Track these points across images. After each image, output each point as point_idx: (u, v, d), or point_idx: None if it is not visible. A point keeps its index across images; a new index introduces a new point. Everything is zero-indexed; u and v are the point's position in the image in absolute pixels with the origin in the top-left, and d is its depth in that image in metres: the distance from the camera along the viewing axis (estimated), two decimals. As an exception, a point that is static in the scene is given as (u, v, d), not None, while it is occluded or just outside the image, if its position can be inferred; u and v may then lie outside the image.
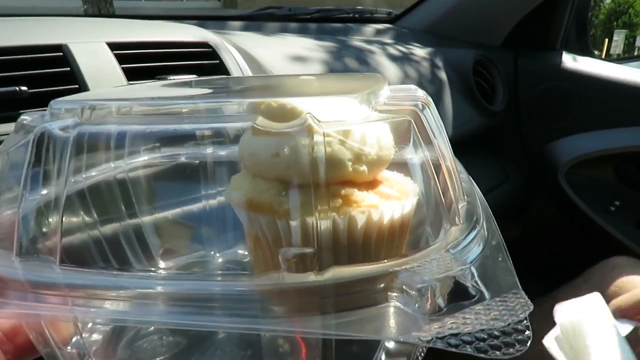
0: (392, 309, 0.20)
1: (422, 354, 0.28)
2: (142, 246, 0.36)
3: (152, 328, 0.33)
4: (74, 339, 0.27)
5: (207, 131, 0.34)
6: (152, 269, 0.36)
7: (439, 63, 1.12)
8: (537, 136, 1.31)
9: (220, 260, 0.38)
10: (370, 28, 1.27)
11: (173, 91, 0.34)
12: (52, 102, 0.26)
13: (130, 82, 0.59)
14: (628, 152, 1.20)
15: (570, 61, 1.28)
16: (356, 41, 1.09)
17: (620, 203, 1.24)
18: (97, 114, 0.25)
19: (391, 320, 0.20)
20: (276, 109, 0.27)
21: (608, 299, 0.76)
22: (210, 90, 0.33)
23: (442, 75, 1.10)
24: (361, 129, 0.26)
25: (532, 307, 0.19)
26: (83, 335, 0.28)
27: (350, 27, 1.25)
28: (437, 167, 0.26)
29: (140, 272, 0.27)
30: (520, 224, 1.37)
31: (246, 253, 0.38)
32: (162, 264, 0.37)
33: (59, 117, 0.25)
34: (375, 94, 0.27)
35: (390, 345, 0.28)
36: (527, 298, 0.19)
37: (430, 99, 0.28)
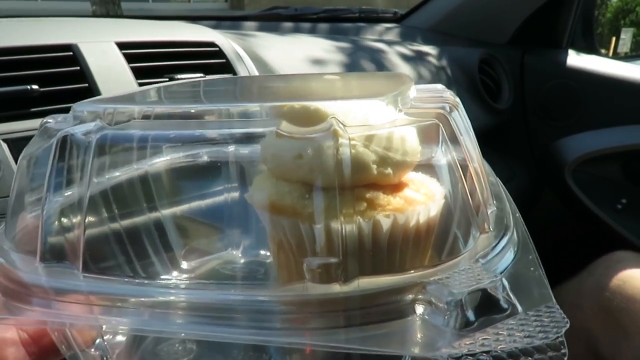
0: (419, 323, 0.20)
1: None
2: (165, 247, 0.35)
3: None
4: (97, 341, 0.27)
5: (231, 137, 0.33)
6: (175, 272, 0.36)
7: (445, 61, 1.12)
8: (543, 134, 1.31)
9: (242, 261, 0.38)
10: (377, 27, 1.27)
11: (193, 93, 0.34)
12: (74, 105, 0.26)
13: (139, 81, 0.59)
14: (635, 150, 1.19)
15: (577, 59, 1.28)
16: (363, 41, 1.09)
17: (627, 201, 1.22)
18: (119, 118, 0.25)
19: (419, 335, 0.19)
20: (299, 111, 0.26)
21: (612, 293, 0.75)
22: (232, 92, 0.33)
23: (448, 73, 1.10)
24: (387, 131, 0.25)
25: (567, 324, 0.18)
26: (106, 337, 0.28)
27: (357, 27, 1.25)
28: (465, 170, 0.26)
29: (162, 280, 0.27)
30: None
31: (269, 254, 0.37)
32: (184, 265, 0.36)
33: (82, 121, 0.25)
34: (403, 96, 0.26)
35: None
36: (561, 313, 0.19)
37: (458, 99, 0.27)
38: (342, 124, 0.23)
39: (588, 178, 1.23)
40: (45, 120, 0.27)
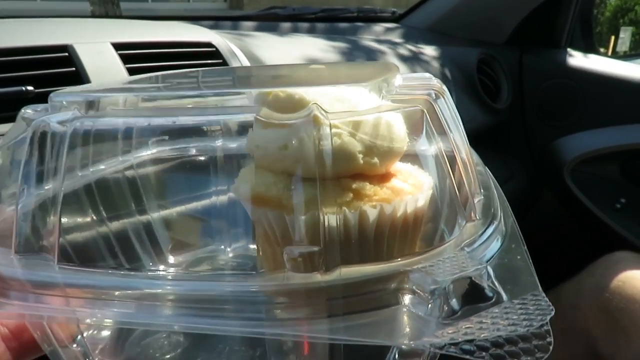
0: (403, 312, 0.19)
1: (438, 354, 0.27)
2: (152, 241, 0.35)
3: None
4: (78, 337, 0.26)
5: (215, 124, 0.33)
6: (161, 265, 0.35)
7: (443, 61, 1.12)
8: (542, 134, 1.30)
9: (230, 255, 0.37)
10: (375, 27, 1.27)
11: (178, 83, 0.34)
12: (52, 95, 0.26)
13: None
14: (634, 149, 1.19)
15: (576, 58, 1.28)
16: (361, 40, 1.09)
17: (626, 200, 1.22)
18: (99, 107, 0.24)
19: (402, 324, 0.19)
20: (284, 99, 0.26)
21: (611, 293, 0.75)
22: (216, 81, 0.32)
23: (446, 73, 1.10)
24: (372, 119, 0.25)
25: (553, 311, 0.17)
26: (90, 332, 0.28)
27: (355, 27, 1.25)
28: (452, 159, 0.25)
29: (144, 271, 0.26)
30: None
31: (256, 247, 0.37)
32: (171, 259, 0.36)
33: (60, 110, 0.25)
34: (387, 83, 0.26)
35: (403, 346, 0.27)
36: (547, 300, 0.18)
37: (445, 87, 0.27)
38: (323, 110, 0.22)
39: (587, 178, 1.23)
40: (23, 109, 0.26)
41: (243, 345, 0.30)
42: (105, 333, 0.30)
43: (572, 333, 0.78)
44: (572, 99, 1.26)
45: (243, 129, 0.31)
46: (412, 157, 0.27)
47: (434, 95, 0.25)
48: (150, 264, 0.34)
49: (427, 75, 0.29)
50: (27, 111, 0.26)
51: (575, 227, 1.32)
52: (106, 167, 0.32)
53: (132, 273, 0.22)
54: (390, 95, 0.25)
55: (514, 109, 1.27)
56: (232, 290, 0.21)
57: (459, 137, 0.25)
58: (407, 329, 0.19)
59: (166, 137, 0.34)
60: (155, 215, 0.35)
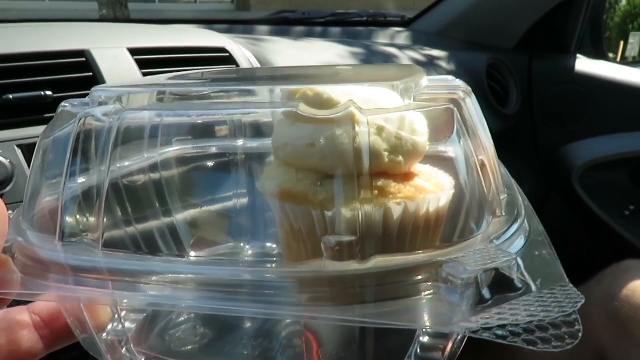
0: (435, 299, 0.20)
1: (459, 350, 0.27)
2: (174, 237, 0.36)
3: (184, 317, 0.34)
4: (110, 326, 0.27)
5: (245, 118, 0.34)
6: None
7: (453, 66, 1.12)
8: (551, 139, 1.30)
9: (250, 252, 0.38)
10: (385, 32, 1.27)
11: (205, 80, 0.34)
12: (93, 89, 0.26)
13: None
14: None
15: (585, 64, 1.27)
16: (372, 45, 1.10)
17: (635, 207, 1.22)
18: (135, 101, 0.25)
19: (435, 310, 0.20)
20: (312, 97, 0.27)
21: (620, 302, 0.75)
22: (246, 78, 0.33)
23: (455, 78, 1.09)
24: (398, 118, 0.26)
25: (583, 300, 0.18)
26: (116, 324, 0.28)
27: (365, 31, 1.26)
28: (480, 157, 0.26)
29: (183, 258, 0.27)
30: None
31: (274, 246, 0.37)
32: (192, 255, 0.37)
33: (99, 104, 0.25)
34: (416, 83, 0.26)
35: (426, 339, 0.28)
36: (576, 290, 0.19)
37: (470, 88, 0.28)
38: (360, 108, 0.23)
39: (596, 184, 1.22)
40: (62, 104, 0.27)
41: (266, 339, 0.31)
42: (130, 325, 0.31)
43: (581, 341, 0.77)
44: (581, 104, 1.25)
45: (266, 127, 0.32)
46: (439, 156, 0.27)
47: (462, 95, 0.26)
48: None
49: (451, 77, 0.29)
50: (66, 105, 0.27)
51: (584, 233, 1.32)
52: (132, 163, 0.33)
53: (173, 259, 0.23)
54: (419, 95, 0.26)
55: (523, 114, 1.27)
56: (266, 277, 0.21)
57: (485, 136, 0.26)
58: (440, 315, 0.19)
59: (190, 137, 0.35)
60: (177, 211, 0.36)
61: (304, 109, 0.24)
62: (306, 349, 0.30)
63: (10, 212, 0.25)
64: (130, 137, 0.30)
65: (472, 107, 0.26)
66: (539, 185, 1.31)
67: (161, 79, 0.33)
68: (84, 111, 0.24)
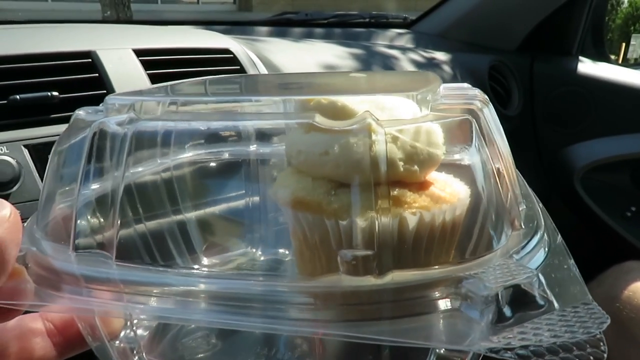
0: (455, 316, 0.20)
1: (477, 361, 0.27)
2: (186, 242, 0.36)
3: (195, 326, 0.33)
4: (122, 334, 0.27)
5: (260, 127, 0.33)
6: (197, 266, 0.36)
7: (454, 68, 1.12)
8: (552, 141, 1.30)
9: (262, 258, 0.38)
10: (387, 33, 1.28)
11: (219, 88, 0.34)
12: (107, 98, 0.26)
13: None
14: None
15: (587, 66, 1.27)
16: (374, 46, 1.10)
17: (637, 208, 1.22)
18: (148, 110, 0.25)
19: (452, 328, 0.19)
20: (326, 106, 0.26)
21: (622, 304, 0.75)
22: (257, 87, 0.33)
23: (458, 79, 1.10)
24: (413, 128, 0.25)
25: (608, 320, 0.18)
26: (128, 331, 0.28)
27: (367, 32, 1.26)
28: (498, 167, 0.25)
29: (195, 269, 0.27)
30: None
31: (287, 252, 0.37)
32: (205, 260, 0.37)
33: (114, 113, 0.25)
34: (432, 93, 0.26)
35: (442, 351, 0.27)
36: (601, 309, 0.18)
37: (487, 97, 0.27)
38: (376, 118, 0.23)
39: (597, 185, 1.22)
40: (76, 112, 0.27)
41: (281, 348, 0.31)
42: (142, 332, 0.30)
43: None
44: (582, 106, 1.26)
45: (280, 134, 0.32)
46: (456, 164, 0.27)
47: (479, 104, 0.26)
48: (184, 264, 0.35)
49: (467, 85, 0.29)
50: (80, 113, 0.27)
51: (585, 235, 1.32)
52: (145, 170, 0.33)
53: (185, 271, 0.22)
54: (436, 105, 0.26)
55: (525, 116, 1.27)
56: (279, 291, 0.21)
57: (503, 144, 0.26)
58: (459, 333, 0.19)
59: (202, 142, 0.35)
60: (190, 217, 0.36)
61: (320, 120, 0.24)
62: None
63: (24, 222, 0.25)
64: (143, 143, 0.30)
65: (490, 117, 0.26)
66: (540, 186, 1.31)
67: (174, 86, 0.33)
68: (99, 120, 0.24)
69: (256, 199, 0.38)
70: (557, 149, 1.28)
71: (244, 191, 0.38)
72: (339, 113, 0.26)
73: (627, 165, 1.22)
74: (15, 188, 0.50)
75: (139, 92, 0.29)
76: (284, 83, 0.38)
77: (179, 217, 0.36)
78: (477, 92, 0.28)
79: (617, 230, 1.20)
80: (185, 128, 0.30)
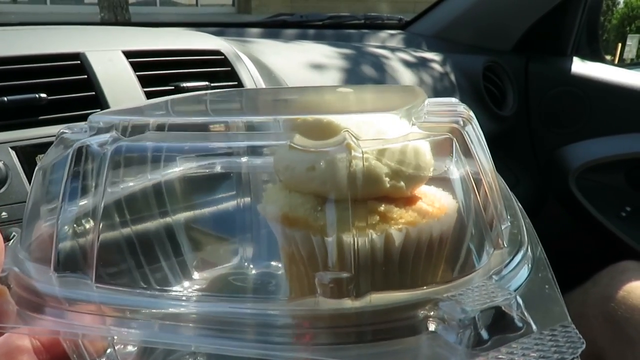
0: (431, 340, 0.20)
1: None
2: (177, 257, 0.35)
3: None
4: (107, 351, 0.27)
5: (243, 148, 0.33)
6: (186, 282, 0.36)
7: (449, 68, 1.12)
8: (547, 141, 1.30)
9: (253, 272, 0.38)
10: (382, 34, 1.28)
11: (206, 105, 0.34)
12: (90, 117, 0.26)
13: (146, 89, 0.60)
14: (639, 158, 1.19)
15: (581, 66, 1.28)
16: (368, 47, 1.10)
17: (632, 208, 1.22)
18: (135, 130, 0.25)
19: (431, 352, 0.19)
20: (313, 124, 0.27)
21: (617, 303, 0.75)
22: (244, 105, 0.33)
23: (452, 80, 1.10)
24: (400, 145, 0.25)
25: (584, 345, 0.18)
26: (117, 347, 0.28)
27: (362, 34, 1.26)
28: (479, 184, 0.25)
29: (174, 292, 0.27)
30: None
31: (280, 265, 0.37)
32: (196, 275, 0.36)
33: (98, 131, 0.25)
34: (416, 110, 0.26)
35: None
36: (577, 332, 0.18)
37: (472, 113, 0.27)
38: (355, 137, 0.23)
39: (592, 185, 1.23)
40: (61, 130, 0.27)
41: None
42: (131, 348, 0.30)
43: (578, 343, 0.78)
44: (577, 106, 1.26)
45: (271, 150, 0.32)
46: (439, 181, 0.27)
47: (462, 123, 0.26)
48: (175, 279, 0.35)
49: (454, 100, 0.29)
50: (65, 131, 0.27)
51: (580, 235, 1.32)
52: (135, 184, 0.33)
53: (165, 294, 0.22)
54: (419, 123, 0.26)
55: (520, 117, 1.28)
56: (260, 314, 0.21)
57: (485, 161, 0.26)
58: (436, 357, 0.19)
59: (193, 155, 0.35)
60: (180, 231, 0.36)
61: (298, 141, 0.24)
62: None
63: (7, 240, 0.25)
64: (133, 162, 0.30)
65: (473, 133, 0.26)
66: (535, 187, 1.31)
67: (164, 102, 0.33)
68: (81, 140, 0.24)
69: (248, 211, 0.38)
70: (552, 149, 1.28)
71: (235, 204, 0.38)
72: (324, 131, 0.26)
73: (622, 165, 1.22)
74: (2, 190, 0.50)
75: (126, 111, 0.29)
76: (276, 100, 0.38)
77: (170, 230, 0.35)
78: (462, 108, 0.28)
79: (612, 230, 1.20)
80: (175, 147, 0.30)
